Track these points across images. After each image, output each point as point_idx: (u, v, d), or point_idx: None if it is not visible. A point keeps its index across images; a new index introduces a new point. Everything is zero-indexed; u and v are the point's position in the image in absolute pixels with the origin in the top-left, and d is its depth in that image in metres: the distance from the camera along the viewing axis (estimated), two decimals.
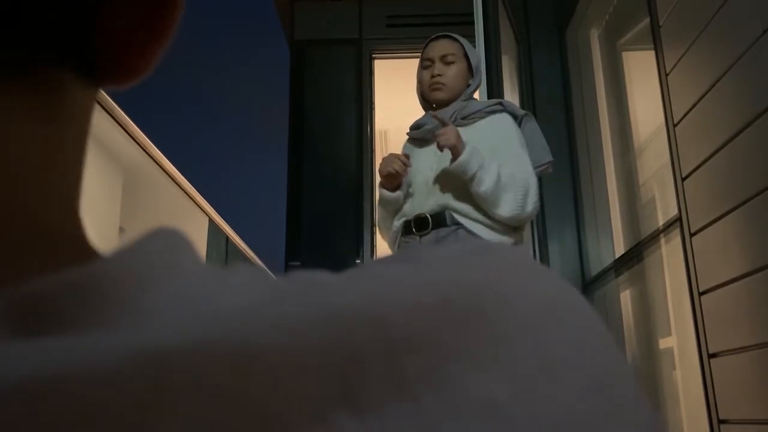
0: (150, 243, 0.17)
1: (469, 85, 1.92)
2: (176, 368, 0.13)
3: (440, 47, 1.92)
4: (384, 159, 1.84)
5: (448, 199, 1.77)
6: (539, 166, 1.84)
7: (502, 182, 1.70)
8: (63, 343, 0.13)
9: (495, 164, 1.72)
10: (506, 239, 1.76)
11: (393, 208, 1.88)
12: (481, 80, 1.95)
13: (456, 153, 1.71)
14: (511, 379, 0.15)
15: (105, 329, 0.14)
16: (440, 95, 1.89)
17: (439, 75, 1.89)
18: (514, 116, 1.87)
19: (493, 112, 1.86)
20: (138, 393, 0.12)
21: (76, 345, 0.13)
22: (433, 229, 1.77)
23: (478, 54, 1.96)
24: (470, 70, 1.92)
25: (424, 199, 1.81)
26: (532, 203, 1.73)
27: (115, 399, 0.12)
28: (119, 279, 0.15)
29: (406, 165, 1.81)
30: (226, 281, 0.17)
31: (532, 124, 1.89)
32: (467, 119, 1.85)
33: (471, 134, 1.81)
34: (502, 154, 1.76)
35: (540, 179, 1.89)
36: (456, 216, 1.76)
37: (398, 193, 1.84)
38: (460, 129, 1.83)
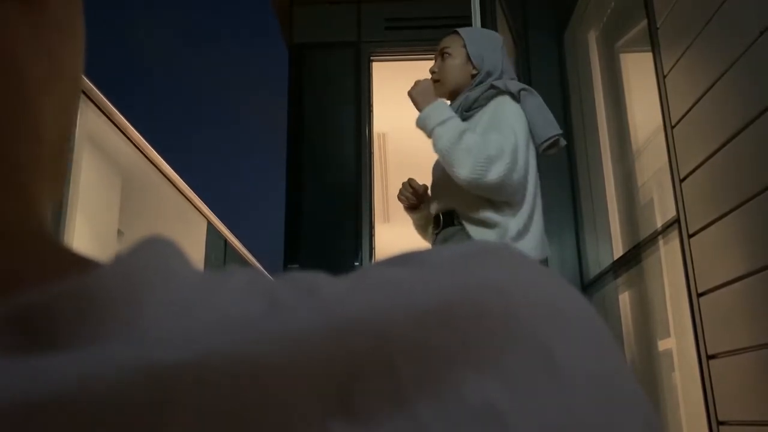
0: (144, 252, 0.16)
1: (473, 76, 1.85)
2: (177, 384, 0.13)
3: (442, 42, 1.92)
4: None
5: (453, 199, 1.78)
6: (544, 142, 1.76)
7: (463, 143, 1.65)
8: (61, 359, 0.13)
9: (462, 125, 1.70)
10: (499, 239, 1.71)
11: (419, 224, 1.99)
12: (489, 69, 1.84)
13: (419, 109, 1.77)
14: (512, 384, 0.15)
15: (103, 343, 0.14)
16: (438, 90, 1.88)
17: (434, 72, 1.89)
18: (511, 95, 1.80)
19: (491, 96, 1.81)
20: (138, 409, 0.12)
21: (74, 361, 0.13)
22: (443, 227, 1.81)
23: (485, 44, 1.86)
24: (471, 61, 1.85)
25: (436, 198, 1.87)
26: (497, 172, 1.62)
27: (115, 416, 0.12)
28: (116, 290, 0.15)
29: (413, 193, 1.94)
30: (223, 288, 0.16)
31: (531, 99, 1.79)
32: (470, 111, 1.83)
33: (476, 124, 1.78)
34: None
35: (539, 160, 1.79)
36: (460, 216, 1.77)
37: (417, 214, 1.96)
38: (465, 122, 1.80)
